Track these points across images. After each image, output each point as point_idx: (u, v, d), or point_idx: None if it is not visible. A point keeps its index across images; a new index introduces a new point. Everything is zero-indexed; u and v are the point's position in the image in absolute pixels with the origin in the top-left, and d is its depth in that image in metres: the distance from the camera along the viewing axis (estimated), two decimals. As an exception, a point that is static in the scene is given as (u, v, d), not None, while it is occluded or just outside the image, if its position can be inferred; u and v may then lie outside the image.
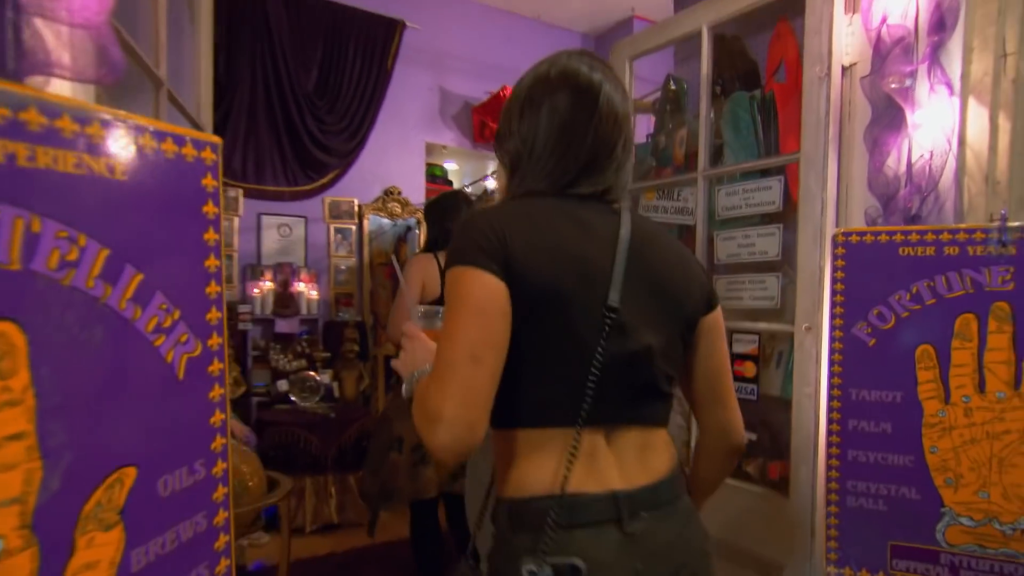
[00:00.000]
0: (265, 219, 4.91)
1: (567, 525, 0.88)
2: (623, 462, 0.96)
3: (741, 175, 2.05)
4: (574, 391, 0.91)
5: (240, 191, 4.75)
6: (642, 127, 2.56)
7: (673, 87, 2.45)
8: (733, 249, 2.06)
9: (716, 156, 2.14)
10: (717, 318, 1.11)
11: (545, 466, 0.92)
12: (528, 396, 0.94)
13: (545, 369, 0.93)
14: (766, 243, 1.96)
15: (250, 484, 2.12)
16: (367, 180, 5.26)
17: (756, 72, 2.18)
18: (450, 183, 5.68)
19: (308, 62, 5.03)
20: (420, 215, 5.49)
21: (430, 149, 5.71)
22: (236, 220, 4.75)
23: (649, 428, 1.02)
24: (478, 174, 5.37)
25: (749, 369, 2.03)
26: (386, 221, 5.41)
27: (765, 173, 2.00)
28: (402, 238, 5.71)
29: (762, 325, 2.02)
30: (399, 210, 5.39)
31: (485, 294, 0.86)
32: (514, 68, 5.93)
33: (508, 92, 1.20)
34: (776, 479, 2.04)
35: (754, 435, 2.07)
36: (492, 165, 5.40)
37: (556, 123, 0.99)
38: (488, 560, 0.99)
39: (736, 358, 2.03)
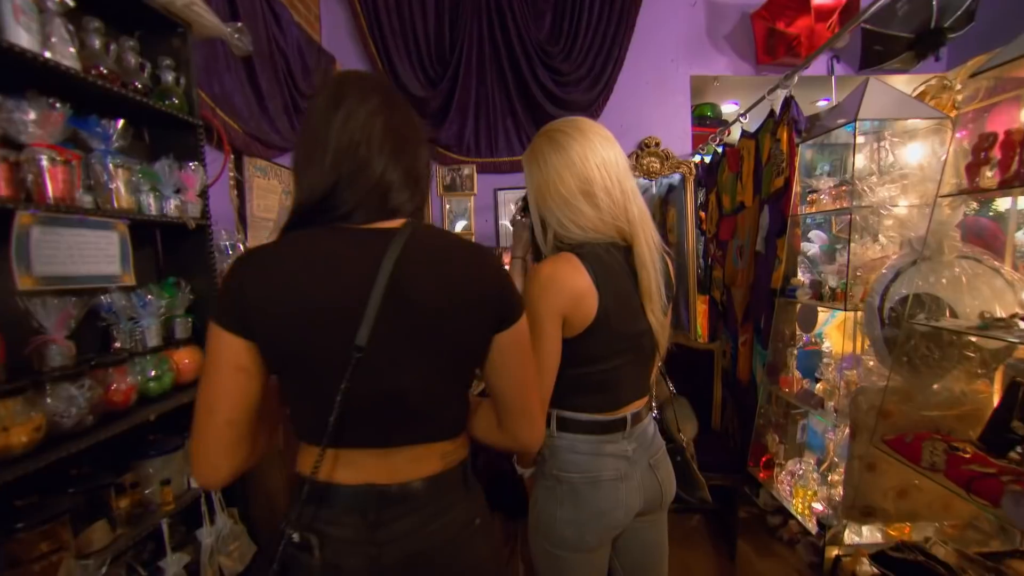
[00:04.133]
0: (502, 195, 3.25)
1: (318, 504, 0.76)
2: (386, 468, 0.77)
3: None
4: (321, 425, 0.72)
5: (473, 167, 3.19)
6: None
7: None
8: None
9: None
10: (513, 335, 0.79)
11: (306, 462, 0.77)
12: (294, 420, 0.79)
13: (299, 403, 0.77)
14: None
15: None
16: (616, 133, 3.17)
17: None
18: (724, 122, 3.25)
19: (539, 5, 3.14)
20: (687, 168, 3.22)
21: (698, 86, 3.33)
22: (472, 199, 3.22)
23: (419, 444, 0.78)
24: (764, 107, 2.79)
25: None
26: (644, 181, 3.29)
27: None
28: (666, 200, 3.52)
29: None
30: (657, 166, 3.22)
31: (219, 351, 0.70)
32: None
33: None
34: None
35: None
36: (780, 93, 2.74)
37: (307, 133, 0.75)
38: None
39: None
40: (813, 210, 1.77)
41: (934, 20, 2.79)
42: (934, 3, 2.78)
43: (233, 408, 0.72)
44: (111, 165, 1.20)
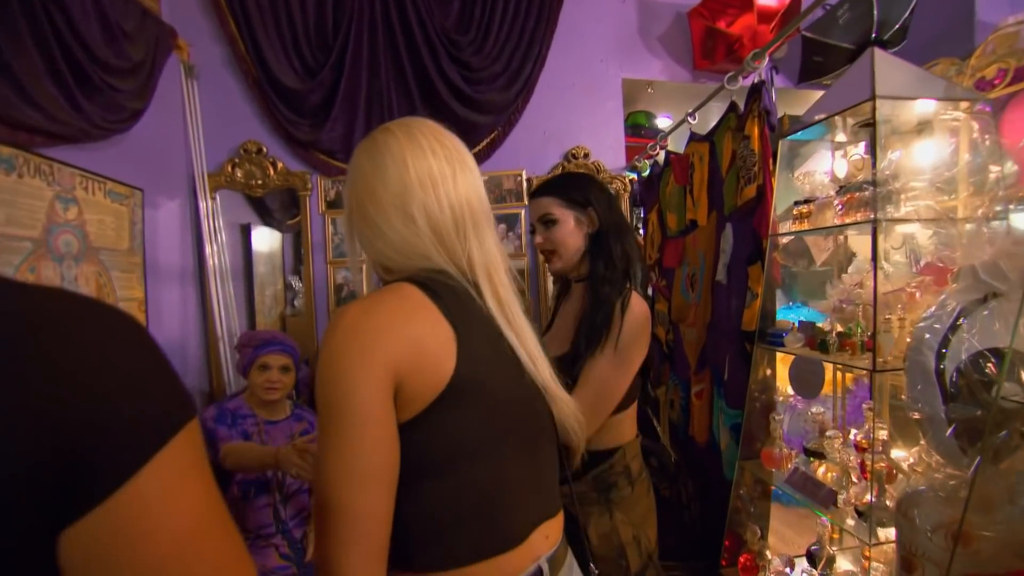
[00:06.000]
0: (402, 213, 2.63)
1: None
2: None
3: None
4: None
5: (364, 178, 2.56)
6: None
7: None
8: None
9: None
10: (115, 526, 0.29)
11: None
12: None
13: None
14: None
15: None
16: (538, 142, 2.70)
17: None
18: (659, 131, 2.87)
19: (446, -13, 2.62)
20: (621, 184, 2.78)
21: (631, 92, 2.94)
22: (363, 218, 2.57)
23: None
24: (704, 120, 2.39)
25: None
26: (573, 200, 2.80)
27: None
28: (598, 221, 3.06)
29: None
30: (588, 181, 2.76)
31: None
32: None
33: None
34: None
35: None
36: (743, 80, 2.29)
37: None
38: None
39: None
40: (805, 226, 1.32)
41: (874, 31, 2.61)
42: (875, 14, 2.60)
43: None
44: None
